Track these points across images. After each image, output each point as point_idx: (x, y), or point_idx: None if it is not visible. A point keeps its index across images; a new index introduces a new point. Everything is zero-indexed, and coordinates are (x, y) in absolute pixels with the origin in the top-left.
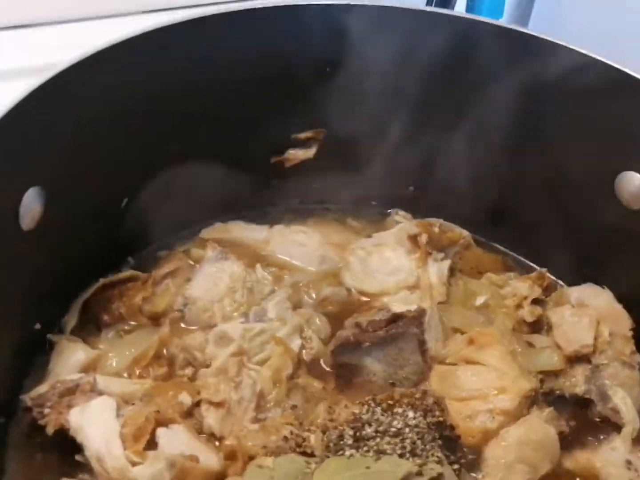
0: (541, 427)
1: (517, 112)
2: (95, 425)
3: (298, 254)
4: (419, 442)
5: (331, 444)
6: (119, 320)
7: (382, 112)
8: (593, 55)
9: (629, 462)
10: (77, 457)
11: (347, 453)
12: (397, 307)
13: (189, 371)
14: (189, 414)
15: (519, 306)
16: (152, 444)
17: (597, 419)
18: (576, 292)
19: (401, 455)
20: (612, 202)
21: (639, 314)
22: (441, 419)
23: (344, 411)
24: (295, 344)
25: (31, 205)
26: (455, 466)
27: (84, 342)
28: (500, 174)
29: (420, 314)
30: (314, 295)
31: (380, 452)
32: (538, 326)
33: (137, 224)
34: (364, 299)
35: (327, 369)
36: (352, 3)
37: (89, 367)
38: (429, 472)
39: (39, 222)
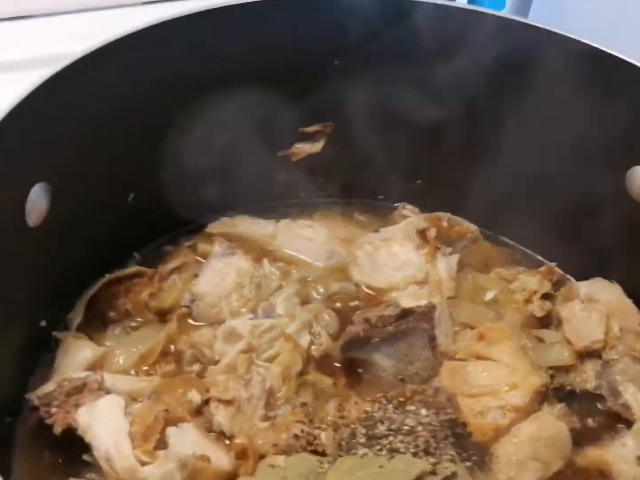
0: (553, 423)
1: (521, 105)
2: (104, 424)
3: (305, 248)
4: (432, 440)
5: (343, 443)
6: (125, 316)
7: (389, 105)
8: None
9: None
10: (85, 457)
11: (360, 452)
12: (406, 303)
13: (196, 368)
14: (198, 412)
15: (528, 301)
16: (160, 443)
17: (608, 415)
18: (585, 287)
19: (415, 454)
20: (623, 196)
21: None
22: (454, 416)
23: (354, 408)
24: (304, 340)
25: (37, 201)
26: (467, 464)
27: (90, 339)
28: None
29: (431, 309)
30: (321, 291)
31: (393, 451)
32: (547, 321)
33: (143, 219)
34: (372, 293)
35: (336, 364)
36: None
37: (95, 365)
38: (442, 470)
39: (45, 218)
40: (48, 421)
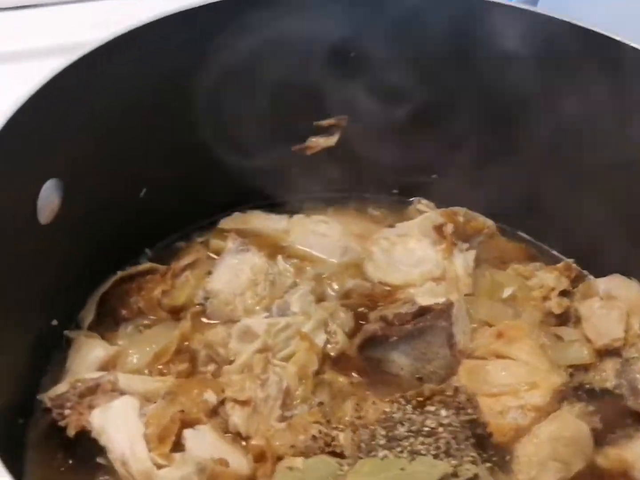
0: (573, 423)
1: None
2: (119, 426)
3: (319, 244)
4: (453, 441)
5: (363, 444)
6: (138, 314)
7: (403, 98)
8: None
9: None
10: (99, 460)
11: (381, 454)
12: (423, 300)
13: (211, 367)
14: (214, 412)
15: (546, 298)
16: (176, 445)
17: (628, 414)
18: (603, 284)
19: (435, 456)
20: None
21: None
22: (474, 416)
23: (372, 408)
24: (320, 338)
25: (49, 198)
26: (488, 465)
27: (102, 337)
28: (526, 161)
29: (449, 306)
30: (336, 287)
31: (414, 453)
32: (565, 318)
33: (155, 214)
34: (388, 289)
35: (353, 363)
36: None
37: (108, 364)
38: (464, 472)
39: (56, 215)
40: (61, 423)
